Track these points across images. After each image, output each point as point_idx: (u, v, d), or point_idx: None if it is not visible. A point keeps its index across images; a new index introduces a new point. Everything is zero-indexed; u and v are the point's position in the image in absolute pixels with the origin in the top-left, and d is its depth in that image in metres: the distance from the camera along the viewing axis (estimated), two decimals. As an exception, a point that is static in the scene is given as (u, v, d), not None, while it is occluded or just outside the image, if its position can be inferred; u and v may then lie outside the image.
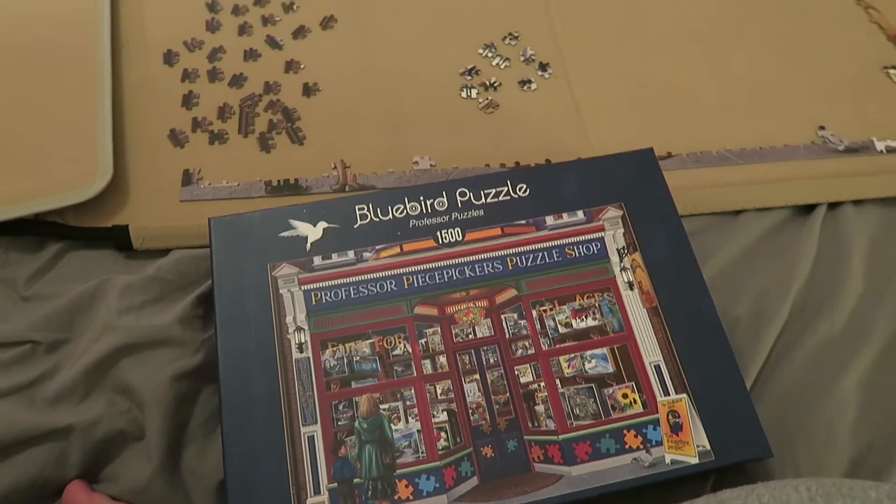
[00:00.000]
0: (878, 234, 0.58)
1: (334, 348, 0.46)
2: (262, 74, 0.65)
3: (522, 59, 0.68)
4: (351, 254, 0.49)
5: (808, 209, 0.59)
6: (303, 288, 0.47)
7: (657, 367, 0.45)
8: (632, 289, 0.48)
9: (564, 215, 0.51)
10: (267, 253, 0.48)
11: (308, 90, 0.64)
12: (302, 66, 0.66)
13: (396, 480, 0.42)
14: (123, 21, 0.67)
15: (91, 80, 0.59)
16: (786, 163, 0.61)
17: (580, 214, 0.51)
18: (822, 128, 0.64)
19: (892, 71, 0.70)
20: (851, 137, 0.64)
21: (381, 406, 0.44)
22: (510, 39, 0.69)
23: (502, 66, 0.67)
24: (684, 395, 0.44)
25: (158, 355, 0.47)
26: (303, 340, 0.46)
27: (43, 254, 0.53)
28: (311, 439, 0.43)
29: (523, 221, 0.50)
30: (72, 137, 0.56)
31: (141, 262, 0.53)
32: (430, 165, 0.60)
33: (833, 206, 0.59)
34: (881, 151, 0.63)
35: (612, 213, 0.51)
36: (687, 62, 0.68)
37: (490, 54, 0.68)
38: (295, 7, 0.70)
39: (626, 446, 0.43)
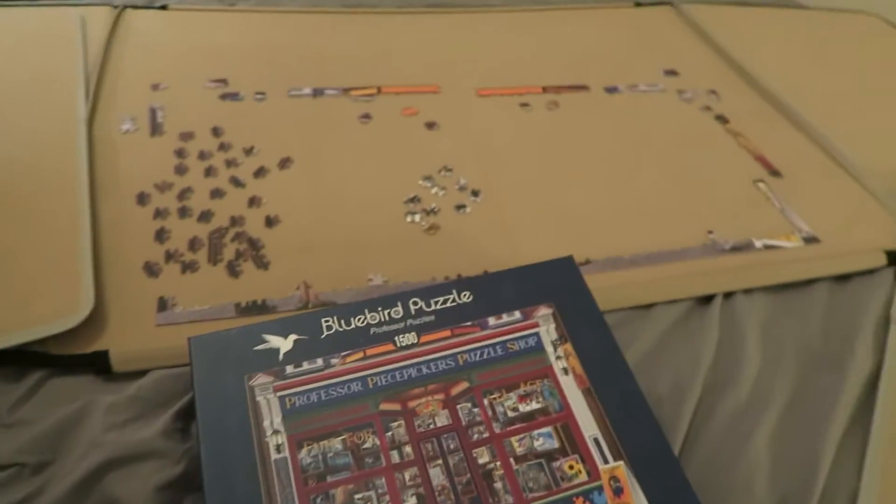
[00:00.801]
0: (768, 316, 0.68)
1: (309, 447, 0.50)
2: (228, 210, 0.72)
3: (457, 187, 0.79)
4: (320, 361, 0.54)
5: (708, 299, 0.69)
6: (278, 394, 0.52)
7: (596, 440, 0.52)
8: (567, 374, 0.55)
9: (504, 315, 0.58)
10: (243, 365, 0.53)
11: (270, 222, 0.72)
12: (264, 201, 0.74)
13: (374, 564, 0.45)
14: (99, 167, 0.74)
15: (71, 220, 0.65)
16: (684, 262, 0.73)
17: (517, 314, 0.59)
18: (710, 232, 0.77)
19: (760, 184, 0.84)
20: (735, 238, 0.76)
21: (356, 496, 0.48)
22: (445, 172, 0.80)
23: (440, 195, 0.78)
24: (621, 462, 0.51)
25: (142, 468, 0.50)
26: (280, 442, 0.50)
27: (24, 382, 0.56)
28: (293, 534, 0.46)
29: (469, 323, 0.58)
30: (54, 272, 0.61)
31: (120, 383, 0.57)
32: (384, 281, 0.68)
33: (728, 295, 0.70)
34: (760, 248, 0.76)
35: (544, 311, 0.59)
36: (596, 183, 0.81)
37: (429, 185, 0.78)
38: (255, 151, 0.79)
39: (577, 513, 0.48)
